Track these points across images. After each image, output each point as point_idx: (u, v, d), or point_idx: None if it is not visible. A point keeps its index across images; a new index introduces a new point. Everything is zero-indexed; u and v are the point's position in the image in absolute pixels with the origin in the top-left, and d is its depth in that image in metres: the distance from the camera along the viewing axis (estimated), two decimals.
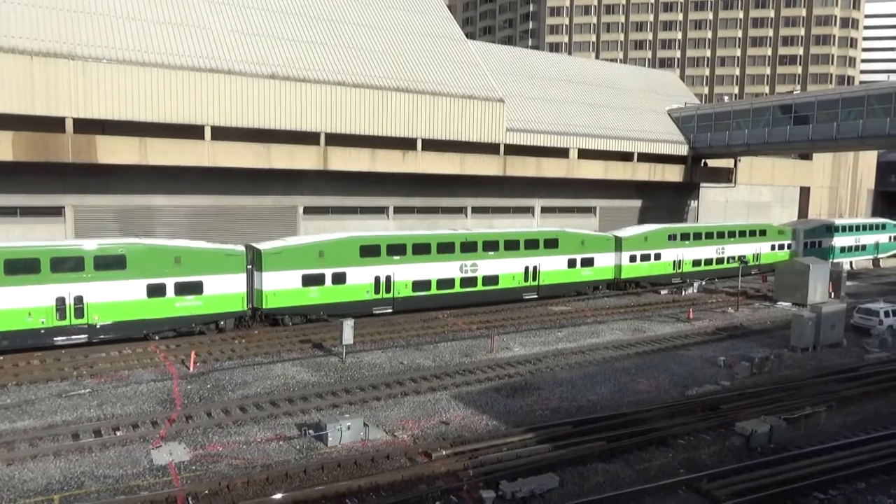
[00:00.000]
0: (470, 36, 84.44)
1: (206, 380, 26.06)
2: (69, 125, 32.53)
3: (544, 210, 53.89)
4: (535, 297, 43.16)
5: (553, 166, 49.78)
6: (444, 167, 44.10)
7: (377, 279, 36.44)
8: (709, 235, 53.62)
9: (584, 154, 51.92)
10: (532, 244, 42.61)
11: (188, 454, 19.22)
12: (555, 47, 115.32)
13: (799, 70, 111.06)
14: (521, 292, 42.42)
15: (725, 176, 62.26)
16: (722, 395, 25.36)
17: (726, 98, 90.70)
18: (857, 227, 67.68)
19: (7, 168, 32.75)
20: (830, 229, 63.88)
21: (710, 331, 36.73)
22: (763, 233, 58.03)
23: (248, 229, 39.98)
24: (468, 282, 39.81)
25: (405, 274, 37.35)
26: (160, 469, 18.28)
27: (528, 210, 53.12)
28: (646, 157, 55.82)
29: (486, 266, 40.42)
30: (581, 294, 45.83)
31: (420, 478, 17.81)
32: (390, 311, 37.18)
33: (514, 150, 47.57)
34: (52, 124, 32.37)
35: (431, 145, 43.58)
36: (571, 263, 44.47)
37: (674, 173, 57.50)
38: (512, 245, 41.74)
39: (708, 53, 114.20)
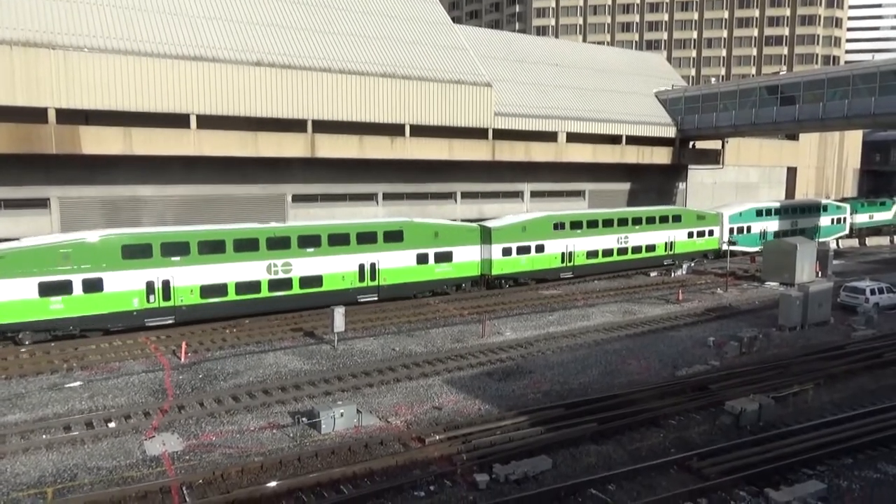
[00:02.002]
0: (456, 20, 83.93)
1: (197, 370, 26.01)
2: (52, 116, 32.11)
3: (534, 194, 53.91)
4: (376, 299, 37.13)
5: (542, 150, 49.72)
6: (432, 153, 43.95)
7: (150, 285, 30.62)
8: (608, 223, 47.54)
9: (573, 138, 51.88)
10: (368, 238, 36.44)
11: (181, 444, 19.21)
12: (542, 31, 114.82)
13: (785, 51, 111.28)
14: (356, 294, 36.32)
15: (713, 157, 62.48)
16: (711, 375, 25.62)
17: (713, 80, 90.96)
18: (794, 210, 62.20)
19: None
20: (762, 213, 58.76)
21: (700, 312, 37.02)
22: (677, 218, 52.05)
23: (236, 219, 39.73)
24: (280, 284, 33.84)
25: (190, 278, 31.48)
26: (154, 460, 18.27)
27: (517, 195, 53.11)
28: (634, 140, 55.87)
29: (304, 265, 34.40)
30: (440, 294, 39.81)
31: (414, 463, 17.90)
32: (171, 321, 31.54)
33: (502, 134, 47.47)
34: (35, 115, 31.93)
35: (420, 131, 43.40)
36: (422, 259, 38.19)
37: (662, 156, 57.62)
38: (340, 240, 35.57)
39: (694, 35, 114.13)
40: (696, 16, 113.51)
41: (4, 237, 32.41)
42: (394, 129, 42.39)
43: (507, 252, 41.63)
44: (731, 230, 55.95)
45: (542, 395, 23.57)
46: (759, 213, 58.49)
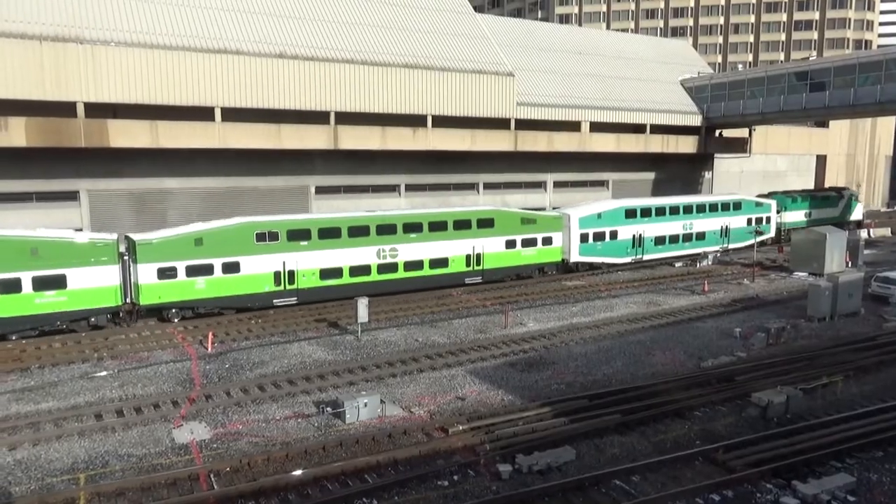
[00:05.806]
0: (478, 9, 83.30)
1: (223, 360, 26.39)
2: (80, 110, 32.70)
3: (557, 184, 53.60)
4: None
5: (565, 140, 49.35)
6: (454, 143, 43.89)
7: None
8: (359, 231, 35.15)
9: (597, 127, 51.40)
10: None
11: (209, 433, 19.54)
12: (565, 18, 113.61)
13: (815, 35, 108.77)
14: None
15: (740, 146, 61.45)
16: (738, 367, 25.31)
17: (740, 66, 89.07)
18: (689, 209, 48.51)
19: (21, 154, 33.03)
20: (635, 214, 45.69)
21: (726, 302, 36.55)
22: (487, 223, 39.21)
23: (261, 211, 40.11)
24: None
25: None
26: (182, 448, 18.61)
27: (540, 185, 52.85)
28: (659, 129, 55.19)
29: None
30: (59, 333, 29.07)
31: (437, 453, 17.99)
32: None
33: (525, 124, 47.20)
34: (64, 109, 32.55)
35: (442, 122, 43.36)
36: (10, 286, 27.39)
37: (687, 145, 56.83)
38: None
39: (721, 21, 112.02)
40: (722, 1, 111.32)
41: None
42: (416, 120, 42.39)
43: (168, 274, 30.72)
44: (585, 236, 43.31)
45: (565, 386, 23.51)
46: (630, 213, 45.45)
